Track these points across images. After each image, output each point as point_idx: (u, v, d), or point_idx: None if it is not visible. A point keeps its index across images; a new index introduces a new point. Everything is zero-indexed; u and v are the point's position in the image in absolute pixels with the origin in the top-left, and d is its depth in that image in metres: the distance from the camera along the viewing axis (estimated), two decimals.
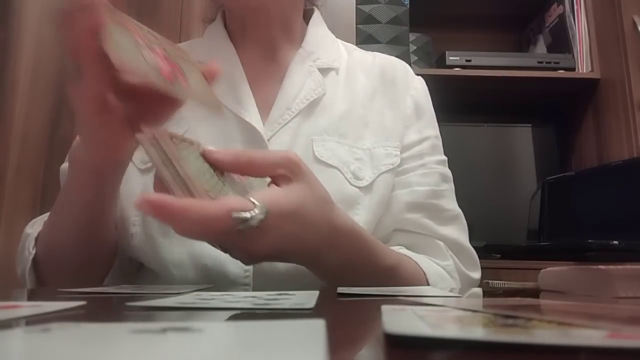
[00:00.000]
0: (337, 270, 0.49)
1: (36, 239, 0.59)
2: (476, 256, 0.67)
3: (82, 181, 0.51)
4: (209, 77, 0.45)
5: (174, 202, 0.34)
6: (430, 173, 0.66)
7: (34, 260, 0.58)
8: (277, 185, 0.43)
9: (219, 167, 0.42)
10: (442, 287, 0.58)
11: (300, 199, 0.42)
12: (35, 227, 0.62)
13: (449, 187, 0.68)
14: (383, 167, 0.63)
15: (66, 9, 0.38)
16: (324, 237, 0.46)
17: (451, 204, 0.67)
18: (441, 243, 0.64)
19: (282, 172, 0.42)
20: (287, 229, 0.41)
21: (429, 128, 0.70)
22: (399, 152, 0.66)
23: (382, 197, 0.63)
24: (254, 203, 0.38)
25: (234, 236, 0.38)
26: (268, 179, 0.45)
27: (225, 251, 0.43)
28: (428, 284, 0.58)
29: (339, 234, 0.47)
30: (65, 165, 0.67)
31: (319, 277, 0.51)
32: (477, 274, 0.65)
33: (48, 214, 0.65)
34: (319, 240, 0.45)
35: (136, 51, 0.40)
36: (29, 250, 0.58)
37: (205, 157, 0.41)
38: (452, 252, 0.64)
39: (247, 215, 0.37)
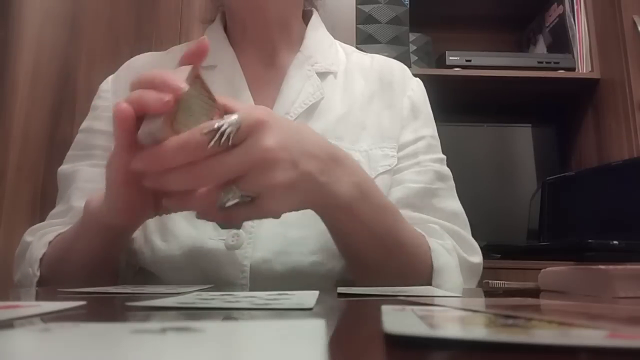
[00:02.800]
0: (352, 186, 0.47)
1: (40, 260, 0.58)
2: (475, 243, 0.65)
3: (99, 236, 0.52)
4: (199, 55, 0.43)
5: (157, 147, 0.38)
6: (425, 171, 0.65)
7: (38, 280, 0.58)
8: None
9: None
10: (448, 262, 0.57)
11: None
12: (36, 236, 0.61)
13: (445, 186, 0.67)
14: (380, 168, 0.63)
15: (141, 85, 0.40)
16: (327, 148, 0.46)
17: (446, 202, 0.65)
18: (436, 226, 0.62)
19: None
20: (285, 125, 0.42)
21: (425, 128, 0.69)
22: (396, 153, 0.66)
23: None
24: (223, 118, 0.39)
25: (226, 157, 0.39)
26: None
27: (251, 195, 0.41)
28: (430, 250, 0.56)
29: (342, 151, 0.48)
30: (64, 168, 0.68)
31: (332, 200, 0.47)
32: (476, 258, 0.63)
33: (47, 222, 0.65)
34: (324, 149, 0.46)
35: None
36: (34, 271, 0.57)
37: None
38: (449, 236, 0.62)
39: (216, 125, 0.38)
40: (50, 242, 0.58)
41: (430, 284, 0.55)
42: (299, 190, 0.43)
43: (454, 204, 0.66)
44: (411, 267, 0.55)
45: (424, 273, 0.55)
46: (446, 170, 0.68)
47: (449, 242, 0.60)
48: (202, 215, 0.43)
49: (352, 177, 0.48)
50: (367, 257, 0.52)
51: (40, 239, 0.60)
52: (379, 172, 0.63)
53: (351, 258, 0.55)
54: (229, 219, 0.42)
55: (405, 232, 0.55)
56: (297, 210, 0.46)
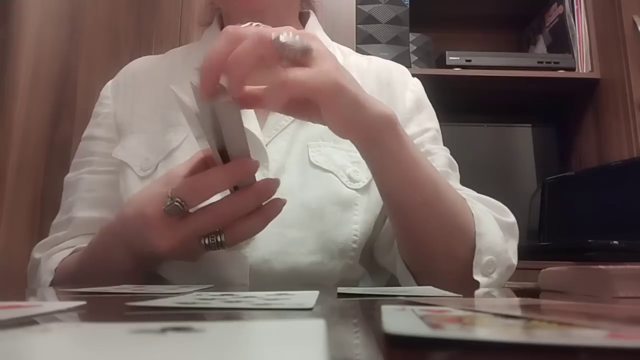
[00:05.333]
0: (393, 115, 0.48)
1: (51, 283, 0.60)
2: (504, 205, 0.62)
3: (123, 271, 0.53)
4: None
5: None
6: (437, 157, 0.65)
7: None
8: None
9: None
10: (485, 213, 0.55)
11: None
12: (44, 255, 0.63)
13: (455, 174, 0.67)
14: None
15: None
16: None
17: (459, 186, 0.64)
18: (463, 194, 0.59)
19: None
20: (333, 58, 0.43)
21: (430, 121, 0.70)
22: None
23: (379, 196, 0.62)
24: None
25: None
26: None
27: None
28: (472, 215, 0.54)
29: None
30: (68, 176, 0.70)
31: (375, 110, 0.47)
32: (511, 218, 0.60)
33: (53, 237, 0.66)
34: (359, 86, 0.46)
35: None
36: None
37: None
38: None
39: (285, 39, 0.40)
40: (55, 269, 0.60)
41: (473, 236, 0.52)
42: (344, 75, 0.44)
43: (466, 190, 0.65)
44: (454, 219, 0.53)
45: (467, 223, 0.53)
46: (454, 160, 0.68)
47: (480, 205, 0.58)
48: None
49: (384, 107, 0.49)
50: (409, 205, 0.51)
51: (47, 261, 0.62)
52: None
53: (393, 206, 0.53)
54: (281, 53, 0.40)
55: (443, 181, 0.53)
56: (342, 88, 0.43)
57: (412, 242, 0.55)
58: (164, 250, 0.47)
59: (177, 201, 0.45)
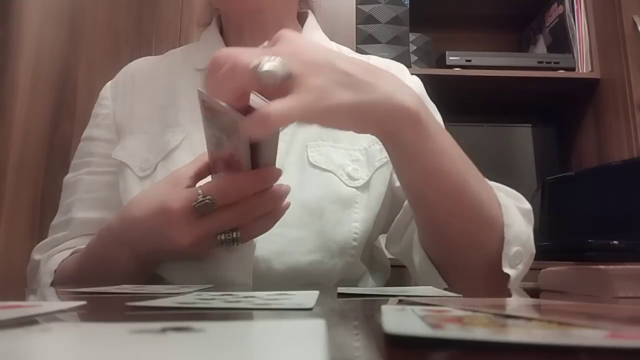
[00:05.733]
0: (416, 97, 0.45)
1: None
2: (514, 191, 0.62)
3: (124, 274, 0.53)
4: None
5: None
6: None
7: None
8: None
9: None
10: (510, 202, 0.54)
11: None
12: (43, 257, 0.64)
13: None
14: (377, 163, 0.63)
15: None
16: (365, 65, 0.44)
17: None
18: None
19: None
20: (321, 59, 0.41)
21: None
22: None
23: (380, 193, 0.62)
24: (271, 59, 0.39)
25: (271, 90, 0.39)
26: None
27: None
28: (500, 205, 0.53)
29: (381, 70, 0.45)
30: (67, 177, 0.70)
31: (394, 106, 0.44)
32: (527, 205, 0.59)
33: (52, 238, 0.67)
34: (364, 66, 0.44)
35: None
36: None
37: None
38: None
39: (266, 63, 0.38)
40: (55, 270, 0.60)
41: (501, 227, 0.51)
42: (335, 87, 0.41)
43: None
44: (481, 210, 0.51)
45: (495, 214, 0.52)
46: None
47: (500, 193, 0.56)
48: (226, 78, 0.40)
49: (409, 89, 0.46)
50: (432, 197, 0.50)
51: (46, 263, 0.62)
52: (377, 166, 0.63)
53: (414, 198, 0.52)
54: (260, 84, 0.39)
55: (472, 170, 0.52)
56: (344, 107, 0.41)
57: (435, 235, 0.54)
58: (182, 246, 0.49)
59: (209, 199, 0.47)
